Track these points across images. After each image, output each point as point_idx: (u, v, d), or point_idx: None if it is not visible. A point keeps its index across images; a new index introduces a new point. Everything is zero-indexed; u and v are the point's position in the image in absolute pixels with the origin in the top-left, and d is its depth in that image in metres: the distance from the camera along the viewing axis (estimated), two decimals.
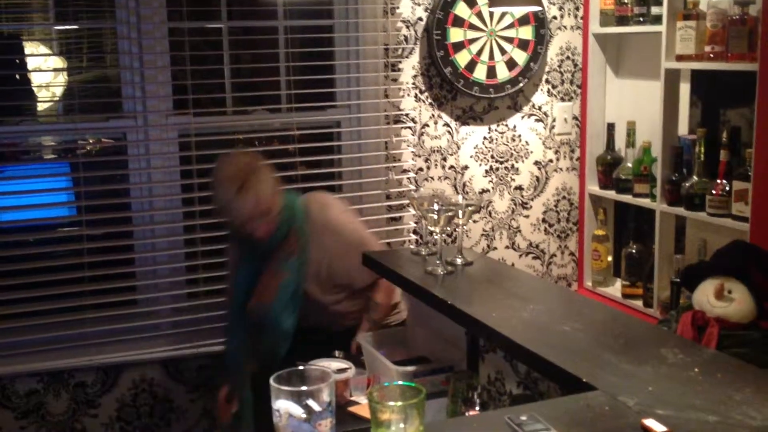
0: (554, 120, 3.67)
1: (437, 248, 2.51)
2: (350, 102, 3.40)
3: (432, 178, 3.50)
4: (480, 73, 3.45)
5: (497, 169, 3.61)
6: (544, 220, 3.73)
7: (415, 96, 3.43)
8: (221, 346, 2.92)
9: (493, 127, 3.57)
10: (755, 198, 2.72)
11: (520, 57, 3.50)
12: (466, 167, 3.56)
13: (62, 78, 3.38)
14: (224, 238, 3.17)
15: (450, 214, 2.45)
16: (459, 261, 2.54)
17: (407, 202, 3.40)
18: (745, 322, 2.35)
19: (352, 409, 2.44)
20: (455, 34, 3.39)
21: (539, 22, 3.50)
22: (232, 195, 2.60)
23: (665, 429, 1.40)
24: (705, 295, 2.42)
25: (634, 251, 3.41)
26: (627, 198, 3.42)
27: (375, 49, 3.34)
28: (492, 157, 3.59)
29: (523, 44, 3.49)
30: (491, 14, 3.42)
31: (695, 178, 3.04)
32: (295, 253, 2.75)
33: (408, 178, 3.45)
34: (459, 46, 3.40)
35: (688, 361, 1.72)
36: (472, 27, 3.42)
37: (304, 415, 1.31)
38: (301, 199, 2.84)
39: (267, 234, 2.70)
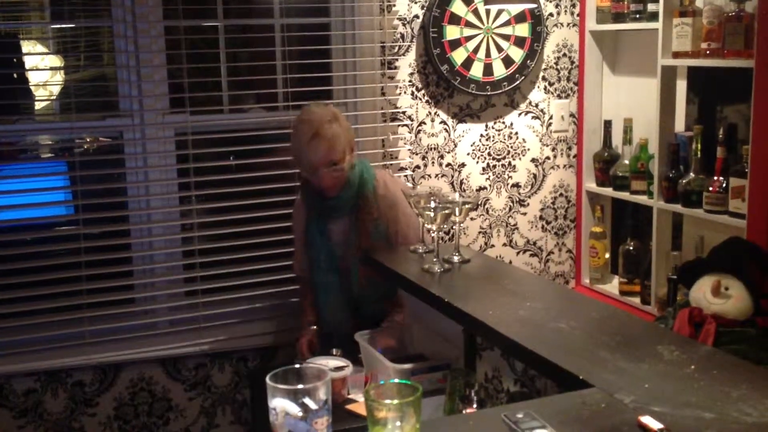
0: (551, 117, 3.67)
1: (434, 246, 2.51)
2: (347, 100, 3.39)
3: (429, 175, 3.49)
4: (477, 71, 3.45)
5: (494, 166, 3.61)
6: (541, 218, 3.73)
7: (412, 94, 3.43)
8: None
9: (490, 124, 3.57)
10: (752, 195, 2.73)
11: (517, 54, 3.49)
12: (463, 165, 3.55)
13: (59, 77, 3.37)
14: (220, 237, 3.17)
15: (447, 211, 2.46)
16: (456, 258, 2.54)
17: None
18: (741, 318, 2.36)
19: (350, 407, 2.44)
20: (452, 32, 3.39)
21: (536, 20, 3.50)
22: (306, 140, 2.73)
23: (661, 426, 1.40)
24: (702, 292, 2.42)
25: (631, 248, 3.41)
26: (624, 195, 3.42)
27: (371, 47, 3.34)
28: (489, 154, 3.59)
29: (519, 41, 3.49)
30: (488, 11, 3.42)
31: (692, 175, 3.04)
32: (375, 219, 2.85)
33: (405, 176, 3.45)
34: (455, 44, 3.40)
35: (685, 358, 1.72)
36: (469, 24, 3.41)
37: (301, 414, 1.31)
38: (373, 169, 2.94)
39: (334, 186, 2.80)
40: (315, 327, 2.95)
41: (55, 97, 3.36)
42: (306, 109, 2.86)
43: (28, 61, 3.39)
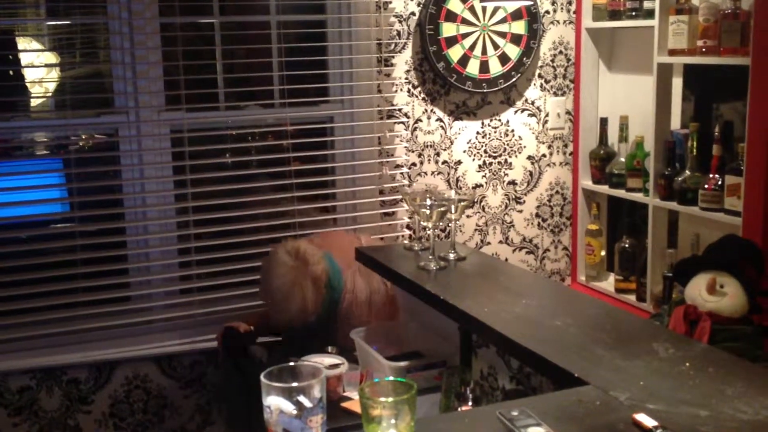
0: (547, 115, 3.66)
1: (430, 243, 2.51)
2: (343, 97, 3.39)
3: (425, 173, 3.49)
4: (473, 68, 3.44)
5: (490, 164, 3.61)
6: (537, 215, 3.73)
7: (408, 91, 3.42)
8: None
9: (486, 122, 3.57)
10: (747, 192, 2.73)
11: (513, 52, 3.49)
12: (459, 162, 3.55)
13: (54, 74, 3.36)
14: (215, 235, 3.17)
15: (443, 209, 2.45)
16: (452, 256, 2.54)
17: (400, 197, 3.40)
18: (737, 316, 2.36)
19: (345, 404, 2.44)
20: (448, 29, 3.38)
21: (532, 17, 3.50)
22: (278, 300, 2.75)
23: (656, 423, 1.40)
24: (697, 290, 2.42)
25: (627, 246, 3.41)
26: (620, 192, 3.42)
27: (368, 44, 3.34)
28: (485, 152, 3.59)
29: (515, 39, 3.49)
30: (484, 9, 3.42)
31: (688, 172, 3.04)
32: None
33: (401, 173, 3.45)
34: (452, 41, 3.40)
35: (680, 356, 1.72)
36: (465, 22, 3.41)
37: (295, 412, 1.30)
38: (341, 273, 2.91)
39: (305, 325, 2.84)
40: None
41: (50, 94, 3.35)
42: (276, 265, 2.79)
43: (24, 58, 3.38)
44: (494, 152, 3.60)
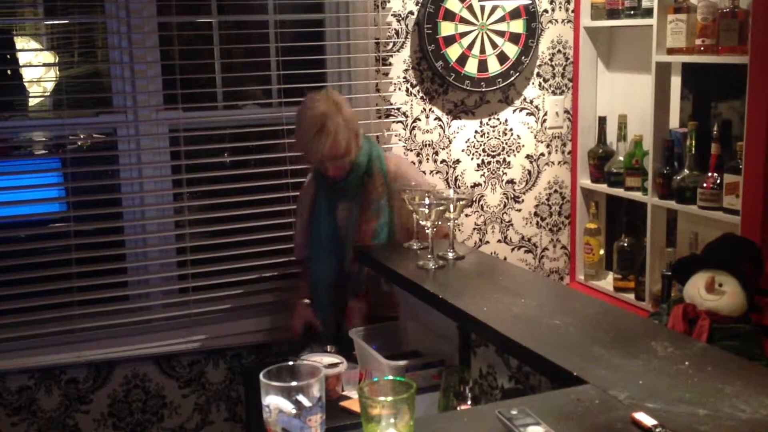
0: (546, 114, 3.66)
1: (429, 242, 2.51)
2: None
3: (424, 172, 3.49)
4: (471, 67, 3.44)
5: (489, 163, 3.61)
6: (536, 214, 3.73)
7: (407, 90, 3.42)
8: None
9: (485, 121, 3.57)
10: (746, 191, 2.73)
11: (512, 51, 3.49)
12: (457, 161, 3.55)
13: (52, 73, 3.36)
14: (212, 234, 3.16)
15: (441, 208, 2.46)
16: (451, 255, 2.54)
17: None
18: (735, 315, 2.36)
19: (344, 403, 2.44)
20: (446, 28, 3.38)
21: (530, 16, 3.50)
22: (311, 136, 2.76)
23: (655, 422, 1.40)
24: (696, 288, 2.42)
25: (625, 244, 3.41)
26: (619, 191, 3.42)
27: (366, 44, 3.34)
28: (484, 151, 3.59)
29: (514, 38, 3.49)
30: (482, 8, 3.42)
31: (686, 171, 3.04)
32: (382, 196, 2.89)
33: None
34: (450, 40, 3.39)
35: (679, 355, 1.72)
36: (463, 21, 3.41)
37: (294, 411, 1.30)
38: (381, 151, 2.98)
39: (339, 175, 2.85)
40: (308, 301, 3.00)
41: (48, 94, 3.35)
42: (310, 101, 2.86)
43: (22, 58, 3.37)
44: (493, 151, 3.60)
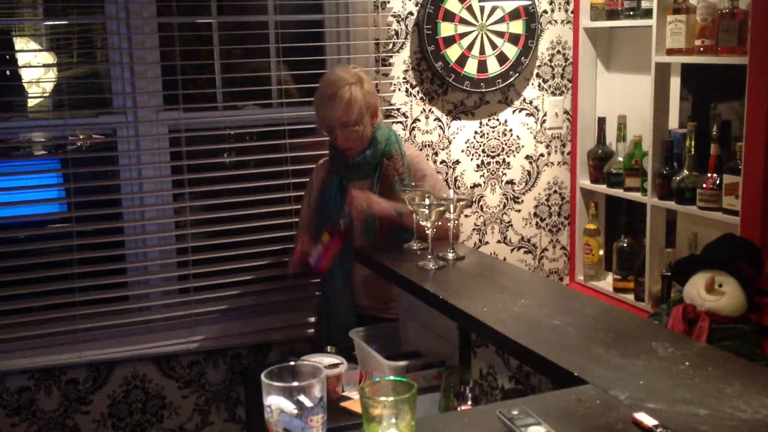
0: (545, 114, 3.67)
1: (429, 243, 2.51)
2: None
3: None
4: (471, 68, 3.45)
5: (488, 163, 3.61)
6: (535, 215, 3.73)
7: (406, 90, 3.43)
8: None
9: (485, 121, 3.57)
10: (745, 192, 2.73)
11: (511, 51, 3.49)
12: (457, 162, 3.56)
13: (52, 74, 3.36)
14: (213, 234, 3.16)
15: (441, 208, 2.46)
16: (451, 255, 2.54)
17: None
18: (735, 315, 2.37)
19: (345, 404, 2.44)
20: (446, 29, 3.39)
21: (530, 17, 3.50)
22: (324, 100, 2.81)
23: (656, 422, 1.40)
24: (696, 289, 2.43)
25: (625, 245, 3.41)
26: (618, 192, 3.43)
27: (365, 44, 3.34)
28: (483, 151, 3.59)
29: (513, 38, 3.49)
30: (482, 9, 3.42)
31: (686, 172, 3.04)
32: (404, 177, 2.90)
33: None
34: (450, 41, 3.40)
35: (679, 355, 1.73)
36: (463, 21, 3.41)
37: (296, 411, 1.31)
38: (400, 138, 3.03)
39: (350, 148, 2.86)
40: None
41: (48, 95, 3.35)
42: (332, 70, 2.93)
43: (21, 58, 3.38)
44: (492, 152, 3.61)
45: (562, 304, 2.14)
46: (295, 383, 1.32)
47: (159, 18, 3.11)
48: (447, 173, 3.54)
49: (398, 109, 3.42)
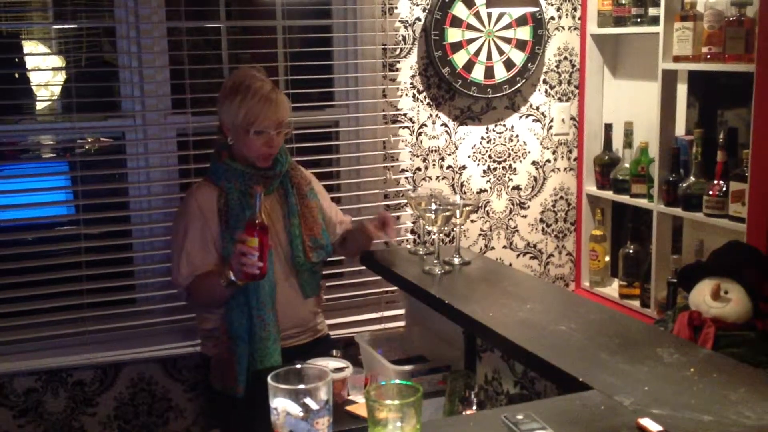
0: (552, 120, 3.67)
1: (435, 248, 2.52)
2: (348, 102, 3.40)
3: (430, 177, 3.50)
4: (478, 74, 3.45)
5: (495, 169, 3.61)
6: (541, 220, 3.73)
7: (413, 96, 3.43)
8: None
9: (491, 127, 3.58)
10: (752, 199, 2.73)
11: (518, 57, 3.50)
12: (463, 167, 3.56)
13: (61, 77, 3.38)
14: None
15: (447, 213, 2.47)
16: (456, 260, 2.55)
17: (405, 201, 3.41)
18: (741, 322, 2.36)
19: (350, 408, 2.44)
20: (453, 35, 3.40)
21: (537, 23, 3.51)
22: (262, 97, 2.60)
23: (661, 428, 1.41)
24: (702, 296, 2.43)
25: (631, 251, 3.41)
26: (624, 198, 3.43)
27: (373, 49, 3.35)
28: (490, 157, 3.60)
29: (521, 45, 3.50)
30: (489, 15, 3.43)
31: (692, 178, 3.05)
32: (308, 181, 2.82)
33: (406, 178, 3.46)
34: (457, 47, 3.41)
35: (684, 361, 1.73)
36: (470, 27, 3.42)
37: (302, 414, 1.31)
38: None
39: (271, 156, 2.65)
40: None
41: (56, 98, 3.37)
42: (245, 70, 2.71)
43: (30, 62, 3.40)
44: (499, 157, 3.61)
45: (568, 310, 2.14)
46: (302, 386, 1.33)
47: (168, 22, 3.12)
48: (453, 178, 3.55)
49: (405, 114, 3.43)
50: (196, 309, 2.82)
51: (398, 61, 3.39)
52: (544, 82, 3.64)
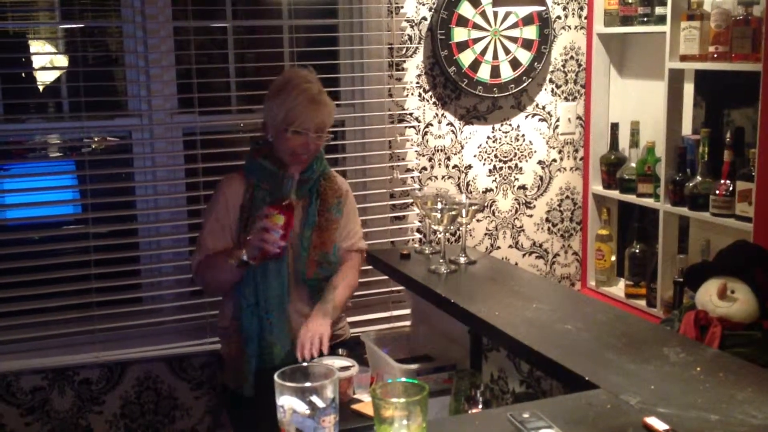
0: (558, 120, 3.67)
1: (441, 247, 2.52)
2: (354, 101, 3.40)
3: (436, 177, 3.50)
4: (484, 73, 3.45)
5: (501, 168, 3.61)
6: (547, 220, 3.73)
7: (419, 95, 3.44)
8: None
9: (497, 126, 3.58)
10: (758, 198, 2.73)
11: (524, 57, 3.50)
12: (469, 166, 3.56)
13: (67, 76, 3.39)
14: None
15: (453, 213, 2.47)
16: (462, 260, 2.55)
17: (411, 201, 3.41)
18: (747, 322, 2.36)
19: (355, 406, 2.45)
20: (459, 34, 3.40)
21: (543, 22, 3.51)
22: (307, 98, 2.61)
23: (667, 427, 1.41)
24: (708, 295, 2.43)
25: (637, 251, 3.41)
26: (631, 198, 3.42)
27: (379, 49, 3.35)
28: (495, 156, 3.59)
29: (527, 44, 3.50)
30: (495, 14, 3.43)
31: (699, 178, 3.04)
32: (338, 196, 2.78)
33: (412, 178, 3.46)
34: (463, 46, 3.41)
35: (691, 361, 1.73)
36: (476, 27, 3.42)
37: (308, 412, 1.32)
38: None
39: (308, 160, 2.65)
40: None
41: (63, 97, 3.38)
42: (296, 70, 2.76)
43: (37, 61, 3.41)
44: (505, 157, 3.61)
45: (574, 309, 2.14)
46: (308, 384, 1.33)
47: (174, 22, 3.13)
48: (459, 178, 3.55)
49: (411, 114, 3.43)
50: (209, 291, 2.84)
51: (404, 61, 3.39)
52: (551, 81, 3.64)
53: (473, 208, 2.59)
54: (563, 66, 3.64)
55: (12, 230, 3.15)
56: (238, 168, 2.81)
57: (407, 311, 3.21)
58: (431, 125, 3.47)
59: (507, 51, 3.48)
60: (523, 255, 3.71)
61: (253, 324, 2.64)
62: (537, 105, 3.63)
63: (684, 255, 3.21)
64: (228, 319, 2.75)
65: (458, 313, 2.16)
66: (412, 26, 3.38)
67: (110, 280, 3.13)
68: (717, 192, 2.93)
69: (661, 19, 3.19)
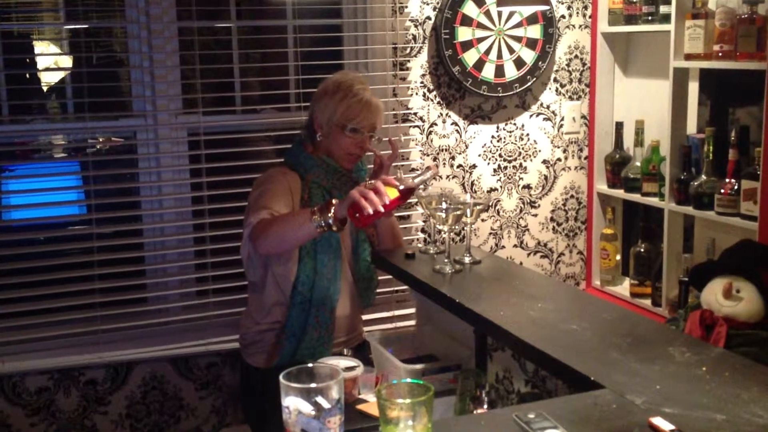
0: (562, 119, 3.67)
1: (445, 247, 2.52)
2: None
3: (440, 176, 3.50)
4: (488, 72, 3.45)
5: (505, 167, 3.61)
6: (552, 219, 3.73)
7: (423, 95, 3.43)
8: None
9: (502, 125, 3.58)
10: (764, 197, 2.72)
11: (529, 56, 3.50)
12: (474, 166, 3.56)
13: (72, 77, 3.39)
14: (232, 237, 3.17)
15: (458, 212, 2.47)
16: (467, 259, 2.55)
17: (416, 200, 3.40)
18: (753, 321, 2.36)
19: (361, 407, 2.45)
20: (463, 33, 3.39)
21: (547, 21, 3.50)
22: (362, 100, 2.66)
23: (672, 427, 1.41)
24: (713, 294, 2.42)
25: (642, 250, 3.41)
26: (635, 197, 3.42)
27: (383, 48, 3.35)
28: (500, 155, 3.59)
29: (531, 43, 3.49)
30: (499, 13, 3.42)
31: (704, 177, 3.04)
32: None
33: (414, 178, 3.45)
34: (467, 45, 3.41)
35: (696, 360, 1.72)
36: (481, 26, 3.42)
37: (314, 412, 1.32)
38: None
39: (358, 158, 2.74)
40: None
41: (68, 98, 3.38)
42: (356, 74, 2.87)
43: (42, 62, 3.41)
44: (509, 156, 3.61)
45: (579, 309, 2.14)
46: (313, 385, 1.33)
47: (179, 22, 3.14)
48: (464, 177, 3.55)
49: (415, 113, 3.43)
50: (266, 247, 2.47)
51: (408, 60, 3.39)
52: (555, 80, 3.63)
53: (478, 207, 2.58)
54: (568, 65, 3.64)
55: (17, 231, 3.16)
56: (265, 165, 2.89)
57: (412, 311, 3.21)
58: (435, 125, 3.47)
59: (511, 50, 3.47)
60: (528, 254, 3.71)
61: (301, 320, 2.67)
62: (541, 104, 3.63)
63: (689, 254, 3.20)
64: (252, 333, 2.76)
65: (463, 313, 2.15)
66: (416, 26, 3.38)
67: (115, 281, 3.14)
68: (722, 191, 2.92)
69: (666, 18, 3.18)
